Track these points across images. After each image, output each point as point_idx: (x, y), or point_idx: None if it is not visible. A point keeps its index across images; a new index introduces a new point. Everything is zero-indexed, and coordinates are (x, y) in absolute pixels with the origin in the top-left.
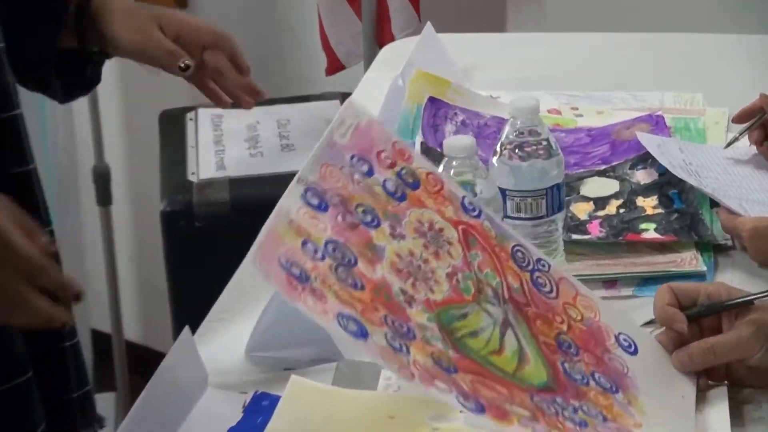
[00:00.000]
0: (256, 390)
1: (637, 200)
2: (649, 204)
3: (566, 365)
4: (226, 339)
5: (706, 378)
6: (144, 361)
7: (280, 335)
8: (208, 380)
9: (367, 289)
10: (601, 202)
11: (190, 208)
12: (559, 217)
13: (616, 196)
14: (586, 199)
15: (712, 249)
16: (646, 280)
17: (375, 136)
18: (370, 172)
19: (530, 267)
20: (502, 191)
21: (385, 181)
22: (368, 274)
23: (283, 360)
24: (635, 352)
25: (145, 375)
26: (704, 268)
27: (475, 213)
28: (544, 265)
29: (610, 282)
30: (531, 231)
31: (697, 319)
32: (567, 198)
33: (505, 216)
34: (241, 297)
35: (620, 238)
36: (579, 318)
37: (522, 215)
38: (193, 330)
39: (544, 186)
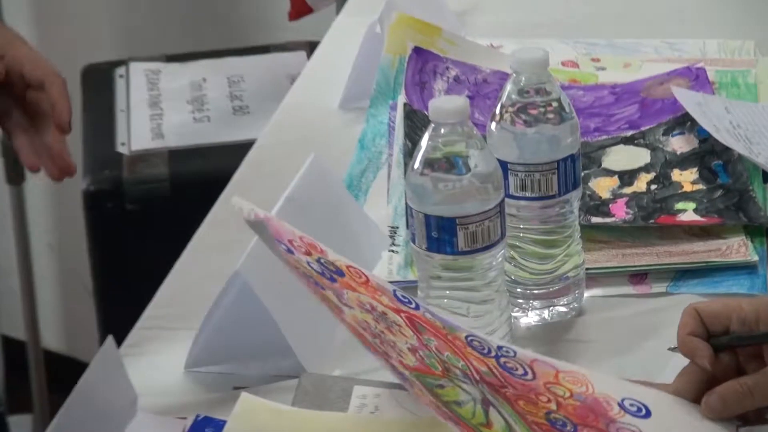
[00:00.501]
0: (198, 414)
1: (672, 174)
2: (687, 178)
3: None
4: (161, 351)
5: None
6: (67, 375)
7: (228, 346)
8: (138, 402)
9: (347, 324)
10: (627, 177)
11: (120, 187)
12: (575, 196)
13: (646, 168)
14: (609, 173)
15: (765, 234)
16: (683, 274)
17: (277, 227)
18: (290, 251)
19: (492, 354)
20: (503, 165)
21: (308, 262)
22: (339, 314)
23: (231, 377)
24: (648, 415)
25: (69, 392)
26: (755, 258)
27: (412, 305)
28: (508, 352)
29: (638, 276)
30: (539, 214)
31: (732, 347)
32: (585, 172)
33: (508, 195)
34: (181, 298)
35: (651, 221)
36: (568, 395)
37: (528, 194)
38: (122, 338)
39: (556, 158)
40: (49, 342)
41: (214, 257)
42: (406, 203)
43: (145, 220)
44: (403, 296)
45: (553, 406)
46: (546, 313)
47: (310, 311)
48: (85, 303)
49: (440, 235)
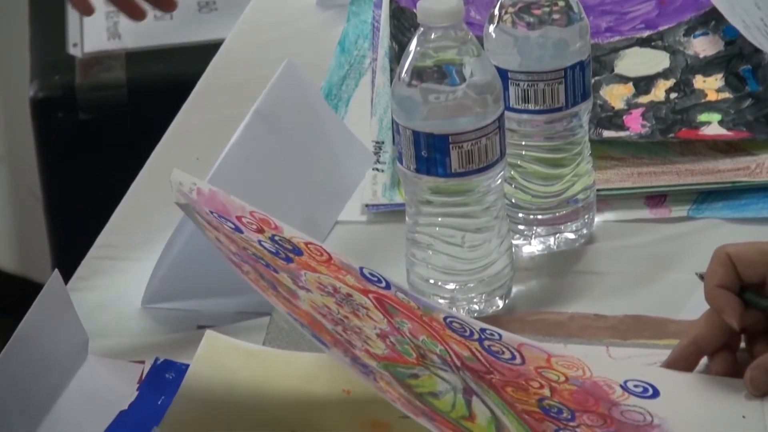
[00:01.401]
0: (157, 357)
1: (694, 80)
2: (711, 86)
3: None
4: (115, 285)
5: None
6: (18, 296)
7: (191, 280)
8: (89, 345)
9: (302, 311)
10: (643, 84)
11: (72, 94)
12: (584, 108)
13: (665, 74)
14: (623, 79)
15: None
16: (707, 196)
17: (224, 202)
18: (238, 229)
19: (475, 337)
20: (503, 73)
21: (259, 241)
22: (293, 300)
23: (194, 314)
24: (656, 395)
25: (19, 314)
26: None
27: (382, 284)
28: (492, 334)
29: (655, 198)
30: (544, 129)
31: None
32: (595, 79)
33: (508, 108)
34: (137, 223)
35: (671, 135)
36: (562, 380)
37: (531, 107)
38: (72, 269)
39: (563, 65)
40: None
41: None
42: (392, 118)
43: (99, 131)
44: (371, 274)
45: (546, 392)
46: (552, 241)
47: None
48: (37, 220)
49: (431, 154)
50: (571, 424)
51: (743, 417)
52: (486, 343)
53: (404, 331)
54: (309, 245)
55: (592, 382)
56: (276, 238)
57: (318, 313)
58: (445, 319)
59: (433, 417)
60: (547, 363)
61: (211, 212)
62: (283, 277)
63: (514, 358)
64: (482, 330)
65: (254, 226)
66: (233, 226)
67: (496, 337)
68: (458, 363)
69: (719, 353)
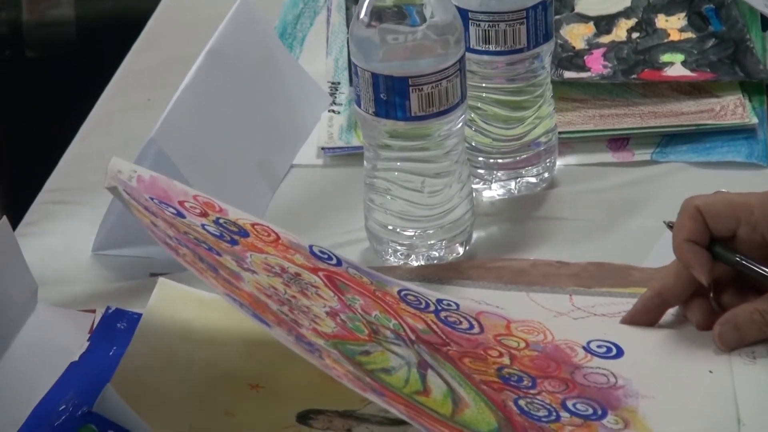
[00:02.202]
0: (108, 306)
1: (656, 20)
2: (673, 25)
3: (522, 403)
4: (64, 231)
5: None
6: None
7: (143, 226)
8: (38, 293)
9: (245, 292)
10: (604, 24)
11: (18, 31)
12: (546, 49)
13: (626, 13)
14: (584, 18)
15: (765, 91)
16: (671, 139)
17: (166, 188)
18: (180, 214)
19: (431, 309)
20: (463, 13)
21: (203, 225)
22: (236, 282)
23: (146, 261)
24: (620, 354)
25: None
26: (754, 120)
27: (333, 261)
28: (449, 305)
29: (618, 141)
30: (505, 71)
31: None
32: (556, 18)
33: (468, 49)
34: (87, 167)
35: (633, 76)
36: (522, 346)
37: (492, 48)
38: (20, 214)
39: (524, 5)
40: None
41: (125, 120)
42: (350, 59)
43: (47, 70)
44: (321, 252)
45: (505, 360)
46: (513, 186)
47: (237, 183)
48: None
49: (390, 97)
50: (532, 391)
51: (710, 372)
52: (443, 314)
53: (356, 308)
54: (256, 226)
55: (553, 346)
56: (221, 221)
57: (263, 294)
58: (399, 292)
59: (383, 392)
60: (507, 330)
61: (151, 198)
62: (226, 260)
63: (472, 327)
64: (438, 301)
65: (197, 210)
66: (175, 212)
67: (454, 307)
68: (413, 337)
69: (694, 301)
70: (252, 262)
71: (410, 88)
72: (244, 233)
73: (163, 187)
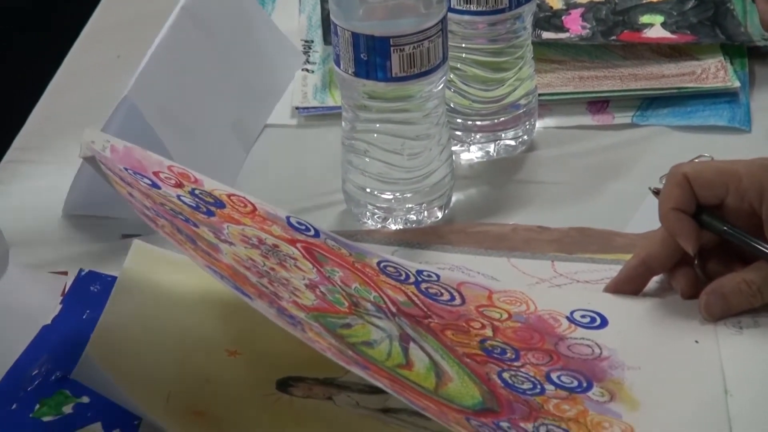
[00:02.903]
0: (81, 269)
1: None
2: None
3: (506, 376)
4: (34, 191)
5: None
6: None
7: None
8: (10, 255)
9: (224, 264)
10: None
11: None
12: (528, 9)
13: None
14: None
15: (746, 54)
16: (651, 102)
17: (140, 159)
18: (155, 185)
19: (411, 280)
20: None
21: (178, 196)
22: (214, 254)
23: (119, 222)
24: (604, 324)
25: None
26: (736, 83)
27: (310, 233)
28: (430, 276)
29: (598, 103)
30: (487, 32)
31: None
32: None
33: (449, 9)
34: (56, 125)
35: (612, 37)
36: (505, 317)
37: (473, 8)
38: None
39: None
40: None
41: (94, 77)
42: (330, 19)
43: (11, 24)
44: (299, 223)
45: (488, 332)
46: (491, 148)
47: (211, 143)
48: None
49: (370, 57)
50: (516, 364)
51: (696, 342)
52: (423, 285)
53: (335, 280)
54: (232, 197)
55: (536, 317)
56: (196, 191)
57: (242, 266)
58: (378, 263)
59: (367, 366)
60: (489, 300)
61: (126, 169)
62: (203, 232)
63: (453, 299)
64: (419, 272)
65: (172, 181)
66: (150, 182)
67: (434, 278)
68: (393, 309)
69: (679, 270)
70: (229, 233)
71: (391, 48)
72: (220, 204)
73: (137, 157)
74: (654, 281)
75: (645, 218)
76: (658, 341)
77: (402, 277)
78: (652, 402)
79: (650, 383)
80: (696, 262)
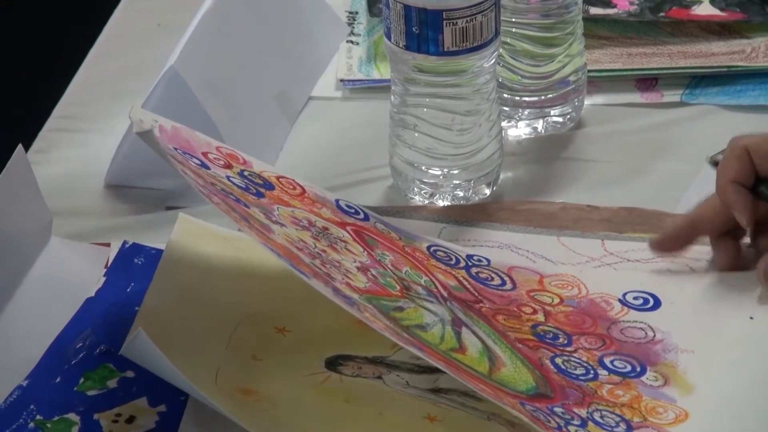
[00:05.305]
0: (125, 241)
1: None
2: None
3: (558, 361)
4: (77, 161)
5: None
6: None
7: (159, 157)
8: (53, 225)
9: (278, 244)
10: None
11: None
12: None
13: None
14: None
15: None
16: (701, 80)
17: (189, 139)
18: (204, 166)
19: (462, 265)
20: None
21: (228, 176)
22: (268, 234)
23: (163, 194)
24: (657, 305)
25: None
26: None
27: (360, 216)
28: (480, 261)
29: (647, 81)
30: (539, 6)
31: None
32: None
33: None
34: (98, 93)
35: (661, 14)
36: (557, 302)
37: None
38: (29, 141)
39: None
40: None
41: (135, 45)
42: None
43: None
44: (348, 206)
45: (540, 317)
46: (539, 125)
47: (255, 115)
48: None
49: (422, 30)
50: (568, 349)
51: (751, 318)
52: (473, 270)
53: (386, 264)
54: (281, 179)
55: (588, 301)
56: (245, 173)
57: (294, 247)
58: (428, 248)
59: (422, 348)
60: (540, 285)
61: (175, 149)
62: (255, 212)
63: (504, 283)
64: (469, 257)
65: (221, 162)
66: (199, 162)
67: (484, 262)
68: (445, 294)
69: (723, 241)
70: (279, 215)
71: (444, 22)
72: (270, 186)
73: (185, 137)
74: (704, 260)
75: (695, 198)
76: (711, 320)
77: (452, 262)
78: (707, 385)
79: (705, 366)
80: (748, 235)
